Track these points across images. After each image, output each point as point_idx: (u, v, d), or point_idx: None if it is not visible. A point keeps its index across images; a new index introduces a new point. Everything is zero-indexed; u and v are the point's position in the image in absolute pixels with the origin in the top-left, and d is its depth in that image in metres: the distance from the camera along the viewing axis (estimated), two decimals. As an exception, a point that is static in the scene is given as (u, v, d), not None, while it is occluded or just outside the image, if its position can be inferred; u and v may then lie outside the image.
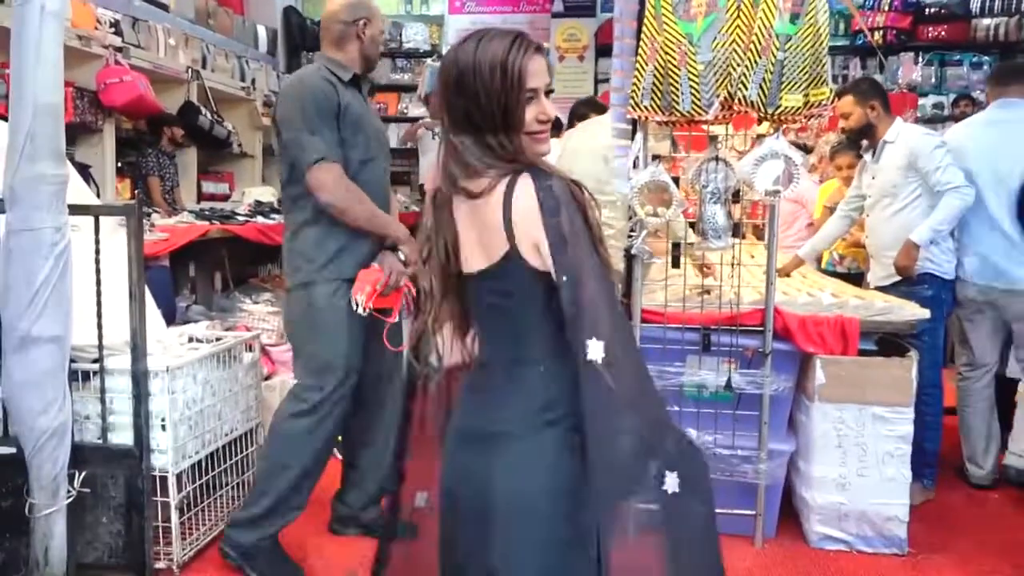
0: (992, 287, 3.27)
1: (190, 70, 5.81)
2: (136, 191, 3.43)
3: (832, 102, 2.56)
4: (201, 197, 5.81)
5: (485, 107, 1.30)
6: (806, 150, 4.61)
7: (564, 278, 1.24)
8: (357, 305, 2.49)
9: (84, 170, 4.26)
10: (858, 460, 2.77)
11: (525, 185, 1.28)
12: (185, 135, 5.43)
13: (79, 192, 2.93)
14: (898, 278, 3.23)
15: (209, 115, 5.69)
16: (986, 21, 6.92)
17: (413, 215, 5.10)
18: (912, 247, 3.14)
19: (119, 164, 5.02)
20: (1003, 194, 3.25)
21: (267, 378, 3.23)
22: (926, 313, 2.89)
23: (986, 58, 7.02)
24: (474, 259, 1.36)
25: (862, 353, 2.80)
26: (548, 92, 1.34)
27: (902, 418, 2.74)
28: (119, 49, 4.88)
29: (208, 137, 5.72)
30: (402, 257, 2.60)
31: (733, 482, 2.78)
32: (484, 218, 1.32)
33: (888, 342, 2.89)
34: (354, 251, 2.56)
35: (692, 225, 2.84)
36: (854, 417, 2.76)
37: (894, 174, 3.26)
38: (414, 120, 7.90)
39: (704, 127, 2.80)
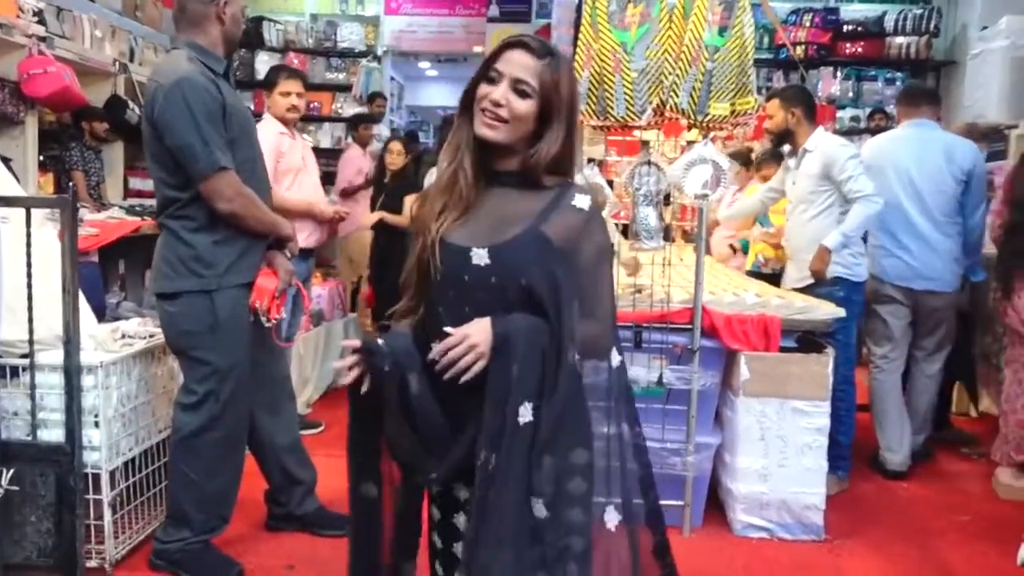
0: (911, 288, 3.60)
1: (117, 63, 5.68)
2: (70, 183, 3.34)
3: (756, 111, 2.71)
4: (128, 193, 5.68)
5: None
6: (744, 160, 4.74)
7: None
8: (261, 317, 2.46)
9: (5, 163, 4.12)
10: (779, 452, 2.92)
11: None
12: (111, 130, 5.30)
13: (7, 184, 2.86)
14: (812, 280, 3.41)
15: (137, 109, 5.56)
16: (899, 39, 7.32)
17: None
18: (825, 251, 3.31)
19: (41, 158, 4.87)
20: (920, 204, 3.58)
21: (201, 376, 3.18)
22: (842, 312, 3.07)
23: (899, 74, 7.42)
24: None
25: (783, 350, 2.96)
26: (519, 91, 1.39)
27: (819, 411, 2.90)
28: (43, 39, 4.74)
29: (136, 132, 5.56)
30: (288, 255, 2.60)
31: (662, 474, 2.89)
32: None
33: (807, 340, 3.06)
34: (254, 253, 2.49)
35: (625, 228, 2.95)
36: (775, 411, 2.91)
37: (810, 182, 3.44)
38: (348, 120, 7.87)
39: (636, 132, 2.91)
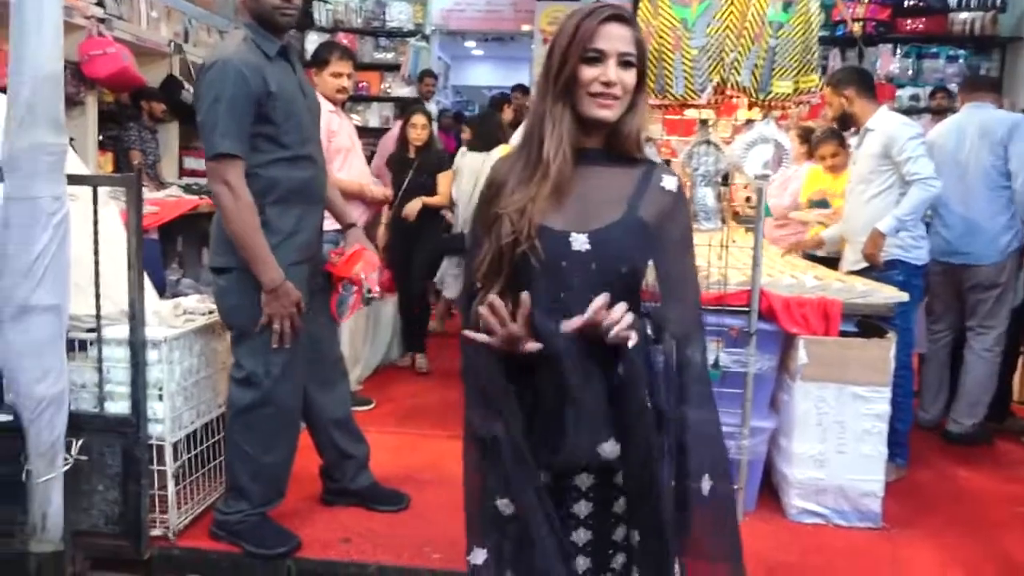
0: (950, 263, 3.70)
1: (172, 43, 5.76)
2: (136, 163, 3.41)
3: (820, 89, 2.63)
4: (183, 172, 5.77)
5: (550, 62, 1.39)
6: (806, 138, 4.63)
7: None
8: (366, 291, 2.58)
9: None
10: (836, 437, 2.87)
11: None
12: (167, 110, 5.38)
13: (73, 163, 2.92)
14: (875, 265, 3.34)
15: (192, 90, 5.63)
16: (963, 15, 7.05)
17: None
18: (878, 236, 3.24)
19: (100, 137, 4.97)
20: (962, 181, 3.65)
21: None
22: (904, 296, 2.99)
23: (962, 52, 7.16)
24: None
25: (843, 334, 2.89)
26: (625, 63, 1.37)
27: (880, 397, 2.84)
28: (101, 20, 4.82)
29: (191, 112, 5.64)
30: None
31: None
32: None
33: (866, 324, 2.99)
34: (304, 234, 2.50)
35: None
36: (834, 396, 2.85)
37: (871, 161, 3.36)
38: (398, 100, 7.89)
39: (692, 112, 2.86)
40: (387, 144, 6.06)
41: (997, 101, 3.88)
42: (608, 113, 1.37)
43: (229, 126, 2.29)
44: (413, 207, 4.57)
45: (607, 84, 1.35)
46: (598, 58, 1.36)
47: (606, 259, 1.36)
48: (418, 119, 4.60)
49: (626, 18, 1.38)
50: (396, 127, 6.24)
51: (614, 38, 1.36)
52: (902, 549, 2.79)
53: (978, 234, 3.63)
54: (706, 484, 1.41)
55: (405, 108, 6.34)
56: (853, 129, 3.55)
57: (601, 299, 1.27)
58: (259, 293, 2.41)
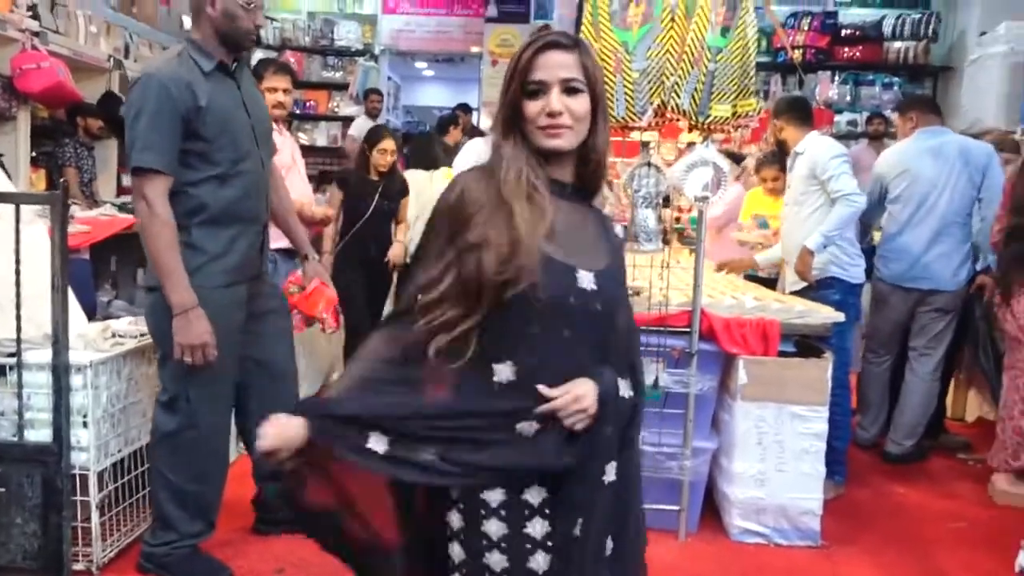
0: (908, 287, 3.72)
1: (112, 59, 5.63)
2: (62, 179, 3.30)
3: (758, 113, 2.68)
4: (121, 191, 5.63)
5: (502, 95, 1.36)
6: (738, 159, 4.75)
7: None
8: (325, 327, 2.63)
9: (-4, 159, 4.09)
10: (776, 456, 2.89)
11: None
12: (104, 127, 5.25)
13: (0, 180, 2.82)
14: (807, 283, 3.40)
15: (132, 106, 5.51)
16: (897, 44, 7.32)
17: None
18: (807, 253, 3.31)
19: (34, 154, 4.83)
20: (935, 208, 3.67)
21: (193, 375, 3.15)
22: (841, 316, 3.04)
23: (896, 79, 7.42)
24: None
25: (781, 354, 2.93)
26: (570, 89, 1.32)
27: (818, 416, 2.88)
28: (36, 34, 4.69)
29: (130, 129, 5.54)
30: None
31: (658, 478, 2.86)
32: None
33: (804, 344, 3.03)
34: (230, 259, 2.40)
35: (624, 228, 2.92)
36: (773, 415, 2.88)
37: (801, 183, 3.46)
38: (345, 119, 7.85)
39: (635, 134, 2.89)
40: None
41: (943, 123, 3.94)
42: (560, 142, 1.32)
43: (151, 140, 2.22)
44: (397, 253, 4.40)
45: (551, 115, 1.31)
46: (540, 90, 1.31)
47: (608, 303, 1.33)
48: (387, 144, 4.35)
49: (565, 44, 1.33)
50: (362, 119, 6.23)
51: (553, 66, 1.31)
52: (841, 567, 2.82)
53: (946, 260, 3.66)
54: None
55: (373, 132, 6.27)
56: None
57: (558, 403, 1.28)
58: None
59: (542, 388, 1.28)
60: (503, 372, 1.29)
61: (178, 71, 2.28)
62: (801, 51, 7.25)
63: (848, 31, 7.44)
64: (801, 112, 3.57)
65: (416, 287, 1.34)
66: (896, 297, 3.75)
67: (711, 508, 3.11)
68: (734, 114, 2.61)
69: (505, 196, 1.29)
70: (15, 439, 2.34)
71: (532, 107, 1.32)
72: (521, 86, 1.32)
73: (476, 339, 1.29)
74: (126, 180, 5.82)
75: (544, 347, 1.29)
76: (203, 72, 2.33)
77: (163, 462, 2.43)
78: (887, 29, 7.37)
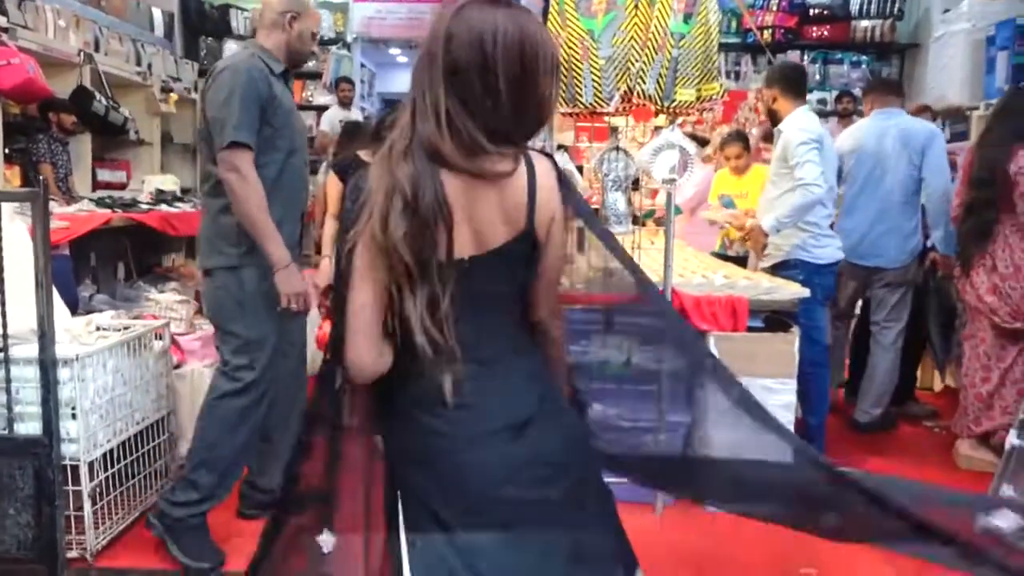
0: (861, 264, 3.87)
1: (82, 53, 5.60)
2: (41, 176, 3.33)
3: (721, 96, 2.76)
4: (96, 185, 5.62)
5: (504, 88, 1.24)
6: (702, 142, 4.85)
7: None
8: None
9: (-30, 156, 4.08)
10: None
11: (543, 163, 1.32)
12: (77, 121, 5.23)
13: (-25, 178, 2.84)
14: (775, 261, 3.49)
15: (104, 100, 5.50)
16: (864, 23, 7.42)
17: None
18: (760, 232, 3.39)
19: (7, 150, 4.80)
20: (879, 187, 3.80)
21: (177, 367, 3.20)
22: (806, 292, 3.14)
23: (864, 57, 7.53)
24: (481, 240, 1.29)
25: (751, 330, 3.03)
26: None
27: (786, 388, 2.98)
28: (4, 30, 4.66)
29: (103, 123, 5.53)
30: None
31: (636, 453, 2.95)
32: (503, 196, 1.28)
33: (774, 320, 3.13)
34: (287, 232, 2.64)
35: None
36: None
37: (776, 164, 3.51)
38: (319, 108, 7.85)
39: (605, 119, 2.96)
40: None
41: (902, 104, 4.05)
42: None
43: (243, 119, 2.45)
44: None
45: None
46: None
47: None
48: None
49: None
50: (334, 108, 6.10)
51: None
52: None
53: (890, 238, 3.80)
54: None
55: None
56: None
57: None
58: (239, 291, 2.54)
59: None
60: None
61: (258, 64, 2.55)
62: (770, 31, 7.34)
63: (816, 10, 7.52)
64: (794, 83, 3.51)
65: None
66: (849, 272, 3.89)
67: (686, 480, 3.21)
68: (698, 98, 2.69)
69: None
70: (5, 432, 2.39)
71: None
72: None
73: None
74: (102, 175, 5.82)
75: None
76: (272, 72, 2.60)
77: (213, 425, 2.58)
78: (854, 8, 7.48)
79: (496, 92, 1.23)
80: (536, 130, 1.33)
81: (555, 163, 1.34)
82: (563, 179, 1.35)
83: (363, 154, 3.29)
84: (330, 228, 3.64)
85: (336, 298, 1.37)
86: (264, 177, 2.52)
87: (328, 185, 3.90)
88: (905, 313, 3.95)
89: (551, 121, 2.86)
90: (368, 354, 1.30)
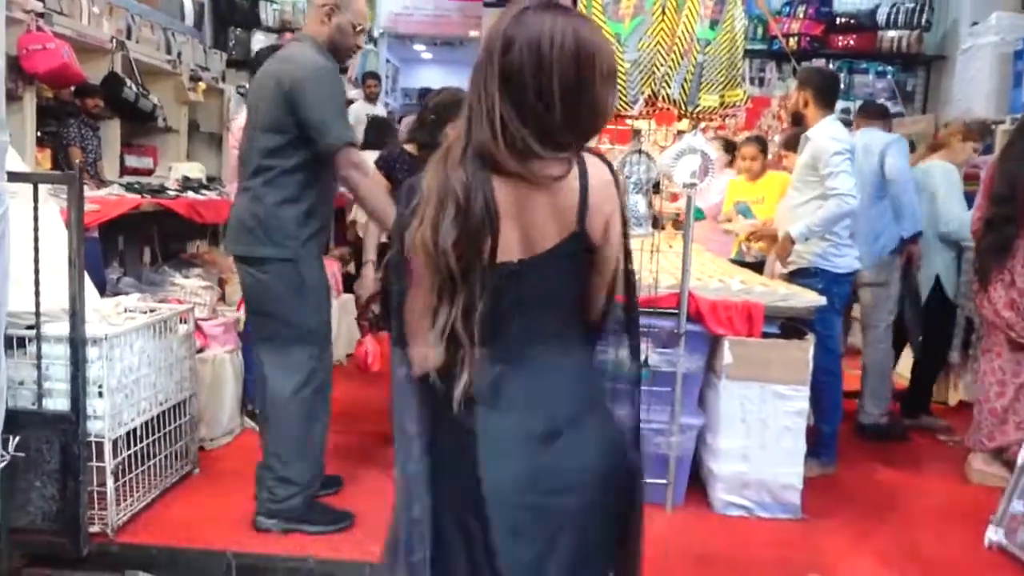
0: None
1: (115, 40, 5.69)
2: (77, 160, 3.41)
3: (745, 103, 2.79)
4: (124, 171, 5.71)
5: (558, 93, 1.25)
6: (734, 148, 4.81)
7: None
8: None
9: None
10: (759, 434, 3.02)
11: (598, 165, 1.32)
12: (106, 106, 5.32)
13: (13, 159, 2.91)
14: (793, 268, 3.50)
15: (134, 87, 5.59)
16: (891, 33, 7.39)
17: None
18: (787, 240, 3.39)
19: (39, 133, 4.90)
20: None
21: (200, 351, 3.27)
22: (822, 300, 3.16)
23: (890, 68, 7.50)
24: (531, 242, 1.30)
25: (765, 336, 3.05)
26: None
27: (799, 395, 3.00)
28: (41, 15, 4.75)
29: (133, 110, 5.62)
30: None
31: (647, 454, 2.99)
32: (555, 199, 1.29)
33: (789, 327, 3.15)
34: (325, 232, 2.78)
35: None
36: (757, 394, 3.01)
37: (802, 170, 3.49)
38: (347, 103, 7.94)
39: (628, 122, 2.99)
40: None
41: (886, 126, 4.29)
42: None
43: (346, 119, 2.58)
44: None
45: None
46: None
47: None
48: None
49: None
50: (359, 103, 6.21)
51: None
52: (819, 538, 2.95)
53: (859, 238, 3.74)
54: None
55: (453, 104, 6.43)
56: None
57: None
58: (298, 281, 2.60)
59: None
60: None
61: (331, 61, 2.63)
62: (796, 39, 7.32)
63: (842, 19, 7.50)
64: (827, 92, 3.49)
65: None
66: None
67: (697, 482, 3.24)
68: (722, 104, 2.72)
69: None
70: (34, 407, 2.46)
71: None
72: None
73: None
74: (129, 160, 5.91)
75: None
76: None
77: (295, 419, 2.65)
78: (881, 18, 7.44)
79: (551, 97, 1.24)
80: (591, 135, 1.35)
81: (610, 165, 1.35)
82: (618, 182, 1.36)
83: (409, 148, 3.15)
84: (374, 230, 3.34)
85: (388, 296, 1.43)
86: (323, 172, 2.61)
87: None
88: (886, 310, 3.99)
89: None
90: (428, 353, 1.33)
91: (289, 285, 2.61)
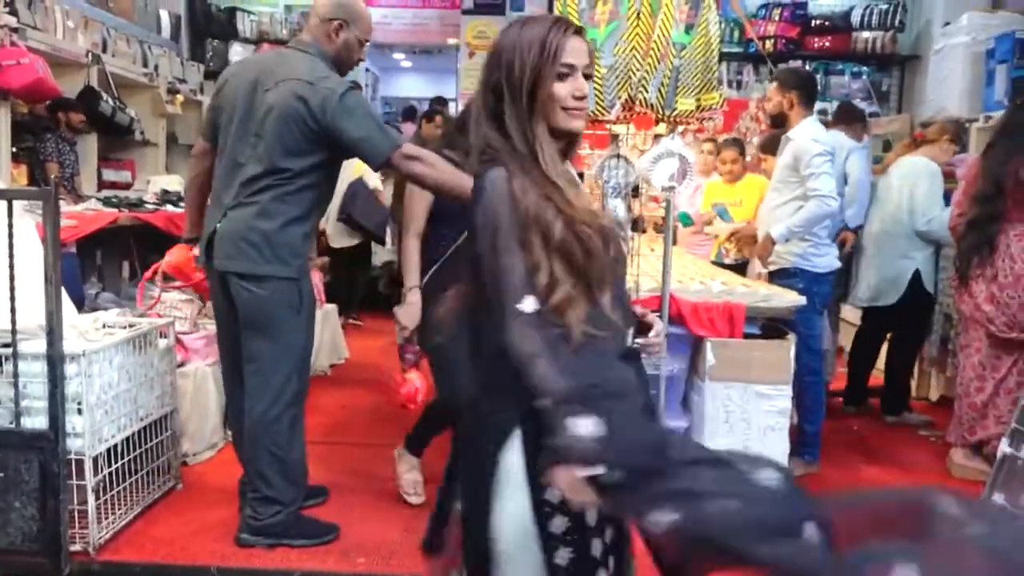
0: None
1: (90, 54, 5.65)
2: (53, 176, 3.38)
3: (720, 106, 2.81)
4: (102, 185, 5.67)
5: (517, 79, 1.35)
6: (741, 148, 4.79)
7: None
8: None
9: (-21, 155, 4.12)
10: (743, 433, 3.04)
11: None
12: (85, 121, 5.28)
13: (-14, 176, 2.88)
14: (774, 268, 3.52)
15: (111, 101, 5.55)
16: (865, 34, 7.47)
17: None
18: (768, 241, 3.40)
19: (14, 149, 4.85)
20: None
21: (180, 365, 3.24)
22: (802, 300, 3.18)
23: (865, 68, 7.58)
24: None
25: (747, 337, 3.07)
26: (587, 75, 1.41)
27: (781, 395, 3.03)
28: (15, 30, 4.71)
29: (110, 123, 5.58)
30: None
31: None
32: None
33: (771, 328, 3.18)
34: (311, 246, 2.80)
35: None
36: (739, 394, 3.03)
37: (782, 171, 3.50)
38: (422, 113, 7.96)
39: (607, 126, 3.01)
40: None
41: (862, 131, 4.46)
42: (580, 124, 1.41)
43: (382, 122, 2.57)
44: None
45: (580, 98, 1.38)
46: (568, 73, 1.36)
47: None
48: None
49: (582, 30, 1.43)
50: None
51: (579, 52, 1.38)
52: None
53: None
54: None
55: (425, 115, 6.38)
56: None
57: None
58: (298, 300, 2.60)
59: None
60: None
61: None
62: (772, 41, 7.38)
63: (818, 21, 7.58)
64: (809, 93, 3.53)
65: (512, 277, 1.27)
66: None
67: (683, 484, 3.24)
68: (698, 107, 2.74)
69: (553, 178, 1.35)
70: (12, 426, 2.43)
71: (562, 88, 1.36)
72: (550, 68, 1.35)
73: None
74: (107, 174, 5.86)
75: (618, 301, 1.38)
76: None
77: (278, 437, 2.63)
78: (855, 19, 7.51)
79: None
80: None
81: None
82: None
83: (450, 154, 2.68)
84: (414, 250, 2.88)
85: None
86: (318, 185, 2.61)
87: (412, 198, 2.91)
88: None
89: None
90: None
91: (287, 303, 2.59)
